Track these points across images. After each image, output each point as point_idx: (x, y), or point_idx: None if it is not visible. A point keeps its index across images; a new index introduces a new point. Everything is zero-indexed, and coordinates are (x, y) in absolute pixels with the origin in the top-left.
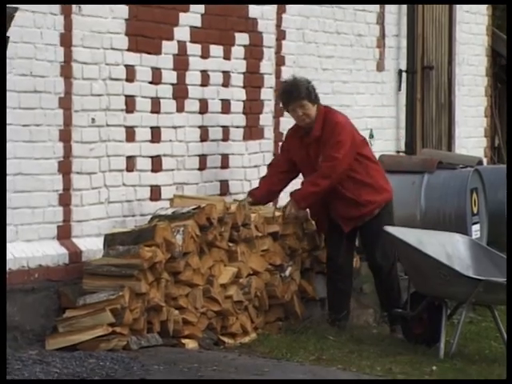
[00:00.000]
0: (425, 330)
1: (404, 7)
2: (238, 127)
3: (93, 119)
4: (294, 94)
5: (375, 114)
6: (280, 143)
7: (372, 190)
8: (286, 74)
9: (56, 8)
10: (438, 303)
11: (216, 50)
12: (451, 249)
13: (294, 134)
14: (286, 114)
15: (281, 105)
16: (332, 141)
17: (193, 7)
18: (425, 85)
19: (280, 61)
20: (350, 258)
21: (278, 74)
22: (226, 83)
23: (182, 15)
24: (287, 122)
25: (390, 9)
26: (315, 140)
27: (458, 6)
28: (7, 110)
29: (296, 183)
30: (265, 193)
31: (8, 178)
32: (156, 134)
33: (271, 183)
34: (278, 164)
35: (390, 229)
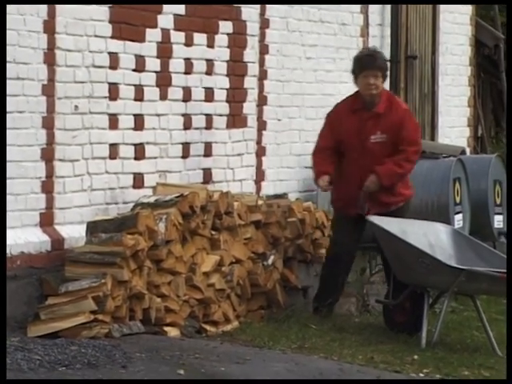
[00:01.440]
0: (407, 319)
1: None
2: (221, 115)
3: (76, 106)
4: (377, 61)
5: None
6: (264, 132)
7: (403, 183)
8: (270, 62)
9: None
10: (420, 292)
11: (200, 38)
12: (434, 238)
13: (346, 108)
14: (269, 102)
15: (355, 67)
16: (410, 126)
17: None
18: (408, 74)
19: (264, 49)
20: (355, 247)
21: (261, 62)
22: (209, 71)
23: (165, 3)
24: (271, 110)
25: None
26: (375, 116)
27: None
28: None
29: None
30: (330, 168)
31: None
32: (139, 122)
33: (328, 163)
34: (326, 146)
35: (372, 218)
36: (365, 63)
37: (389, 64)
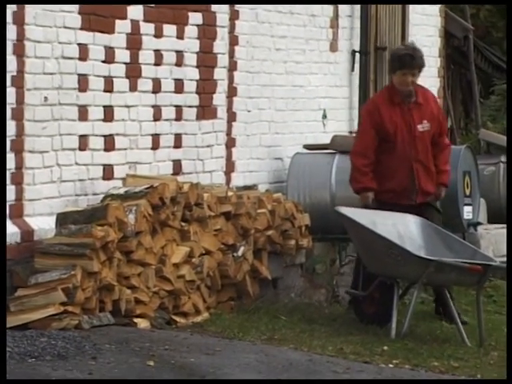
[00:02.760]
0: (376, 310)
1: None
2: (191, 107)
3: (45, 98)
4: (416, 61)
5: (328, 95)
6: (234, 123)
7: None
8: (240, 53)
9: None
10: (389, 283)
11: (169, 29)
12: (403, 229)
13: (384, 101)
14: (239, 93)
15: (393, 64)
16: (443, 116)
17: None
18: (378, 66)
19: (233, 40)
20: None
21: (231, 53)
22: (179, 63)
23: None
24: (240, 102)
25: None
26: (418, 106)
27: None
28: None
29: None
30: (375, 183)
31: None
32: (109, 113)
33: (371, 176)
34: (371, 151)
35: (341, 209)
36: (404, 62)
37: (358, 55)
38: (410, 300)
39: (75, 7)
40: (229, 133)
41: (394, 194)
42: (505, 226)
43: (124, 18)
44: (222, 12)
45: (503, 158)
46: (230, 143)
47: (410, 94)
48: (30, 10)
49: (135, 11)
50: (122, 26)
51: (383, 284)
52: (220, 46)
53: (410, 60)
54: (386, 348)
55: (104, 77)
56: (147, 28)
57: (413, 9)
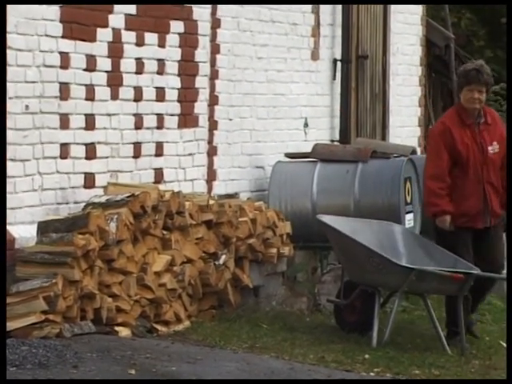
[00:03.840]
0: (358, 319)
1: None
2: (172, 115)
3: (27, 106)
4: (483, 76)
5: (310, 103)
6: (215, 132)
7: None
8: (221, 62)
9: None
10: (370, 292)
11: (151, 37)
12: (385, 237)
13: (454, 123)
14: (221, 102)
15: (460, 80)
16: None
17: None
18: (359, 74)
19: (215, 49)
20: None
21: (212, 62)
22: (160, 71)
23: (116, 3)
24: (222, 110)
25: None
26: (487, 127)
27: None
28: None
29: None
30: (452, 206)
31: None
32: (90, 122)
33: (448, 200)
34: (446, 173)
35: (323, 217)
36: (471, 78)
37: (339, 64)
38: (391, 308)
39: (56, 16)
40: (210, 141)
41: (468, 217)
42: None
43: (105, 26)
44: (203, 20)
45: None
46: (212, 152)
47: (479, 114)
48: (12, 18)
49: (116, 19)
50: (104, 35)
51: (364, 292)
52: (201, 54)
53: (477, 75)
54: (367, 356)
55: (85, 85)
56: (129, 36)
57: (394, 17)
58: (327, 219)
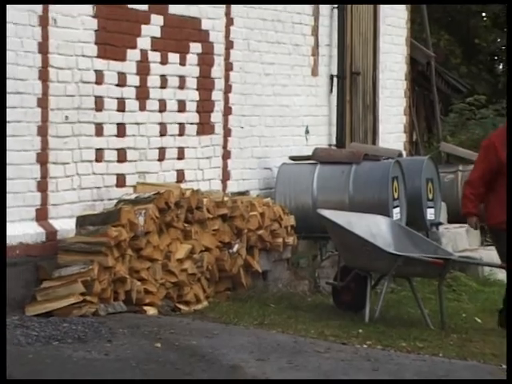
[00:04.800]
0: (352, 298)
1: (335, 21)
2: (192, 124)
3: (66, 117)
4: None
5: (310, 113)
6: (229, 138)
7: None
8: (234, 78)
9: (34, 20)
10: (363, 275)
11: (173, 57)
12: (375, 229)
13: (501, 143)
14: (234, 112)
15: None
16: None
17: (153, 20)
18: (353, 88)
19: (228, 67)
20: None
21: (226, 78)
22: (181, 86)
23: (144, 27)
24: (235, 119)
25: (323, 22)
26: None
27: (381, 19)
28: None
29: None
30: (478, 208)
31: None
32: (121, 130)
33: (480, 200)
34: (484, 183)
35: (322, 211)
36: None
37: (335, 79)
38: (381, 289)
39: (92, 38)
40: (225, 146)
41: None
42: (462, 225)
43: (134, 47)
44: (218, 42)
45: (461, 167)
46: (226, 155)
47: None
48: (53, 41)
49: (144, 42)
50: (133, 55)
51: (358, 276)
52: (217, 71)
53: None
54: (360, 331)
55: (117, 98)
56: (154, 56)
57: (383, 39)
58: (326, 213)
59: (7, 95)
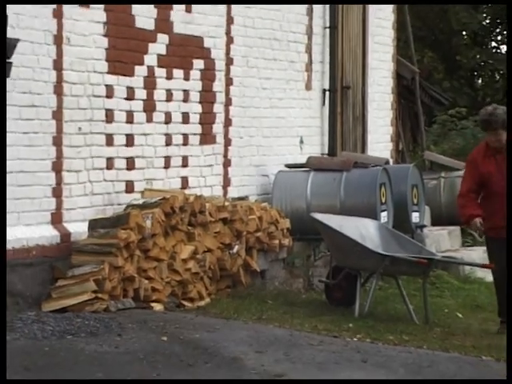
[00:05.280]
0: (343, 295)
1: (327, 39)
2: (195, 134)
3: (79, 128)
4: (492, 125)
5: (304, 124)
6: (229, 147)
7: None
8: (234, 92)
9: (50, 39)
10: (353, 274)
11: (178, 73)
12: (364, 231)
13: (484, 155)
14: (234, 123)
15: (481, 124)
16: None
17: (159, 38)
18: (343, 101)
19: (229, 82)
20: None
21: (227, 92)
22: (185, 99)
23: (150, 45)
24: (234, 130)
25: (316, 40)
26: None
27: (369, 38)
28: (12, 121)
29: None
30: (480, 211)
31: (11, 174)
32: (130, 140)
33: (476, 206)
34: (473, 194)
35: (316, 215)
36: (484, 127)
37: (327, 93)
38: (370, 287)
39: (103, 56)
40: (225, 155)
41: (496, 231)
42: (444, 227)
43: (142, 64)
44: (219, 59)
45: (443, 174)
46: (227, 163)
47: (501, 150)
48: (67, 58)
49: (150, 58)
50: (140, 71)
51: (349, 274)
52: (218, 86)
53: (488, 125)
54: (351, 325)
55: (126, 111)
56: (160, 72)
57: (371, 56)
58: (319, 216)
59: (24, 108)
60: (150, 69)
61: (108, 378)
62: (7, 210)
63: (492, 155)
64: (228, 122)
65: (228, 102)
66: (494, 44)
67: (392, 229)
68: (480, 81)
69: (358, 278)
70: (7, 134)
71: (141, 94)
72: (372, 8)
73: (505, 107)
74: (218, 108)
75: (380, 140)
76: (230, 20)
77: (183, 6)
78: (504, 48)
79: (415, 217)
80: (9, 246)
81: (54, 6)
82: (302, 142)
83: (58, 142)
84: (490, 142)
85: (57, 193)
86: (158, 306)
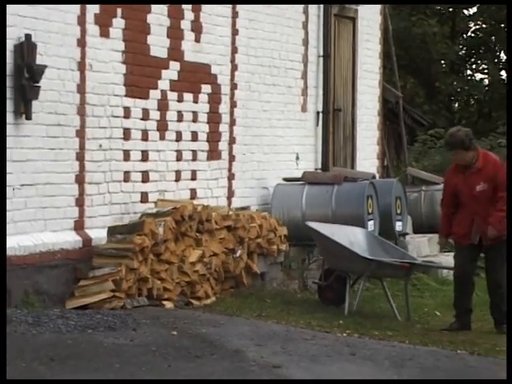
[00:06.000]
0: (334, 295)
1: (321, 67)
2: (203, 151)
3: (100, 145)
4: (450, 145)
5: (300, 143)
6: (233, 163)
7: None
8: (237, 113)
9: (74, 66)
10: (343, 276)
11: (188, 96)
12: (353, 238)
13: (455, 171)
14: (237, 141)
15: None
16: (502, 175)
17: (172, 65)
18: (335, 122)
19: (233, 104)
20: (470, 268)
21: (231, 113)
22: (194, 120)
23: (163, 71)
24: (238, 147)
25: (311, 68)
26: (477, 171)
27: (359, 66)
28: (39, 139)
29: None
30: (449, 228)
31: (39, 186)
32: (145, 156)
33: (449, 220)
34: (448, 204)
35: (310, 223)
36: (447, 148)
37: (321, 115)
38: (358, 288)
39: (121, 81)
40: (230, 169)
41: (458, 235)
42: (425, 235)
43: (156, 88)
44: (224, 84)
45: (424, 187)
46: (231, 177)
47: (469, 166)
48: (89, 83)
49: (164, 83)
50: (155, 94)
51: (339, 277)
52: (223, 108)
53: (447, 145)
54: (341, 322)
55: (141, 130)
56: (172, 95)
57: (360, 82)
58: (314, 225)
59: (51, 127)
60: (163, 92)
61: (124, 368)
62: (35, 218)
63: (461, 171)
64: (232, 140)
65: (232, 123)
66: (469, 72)
67: (378, 236)
68: (456, 105)
69: (348, 279)
70: (35, 151)
71: (155, 114)
72: (361, 39)
73: (468, 130)
74: (224, 128)
75: (367, 157)
76: (234, 50)
77: (193, 37)
78: (478, 76)
79: (398, 225)
80: (36, 250)
81: (78, 35)
82: (297, 158)
83: (80, 157)
84: (454, 160)
85: (79, 202)
86: (168, 304)
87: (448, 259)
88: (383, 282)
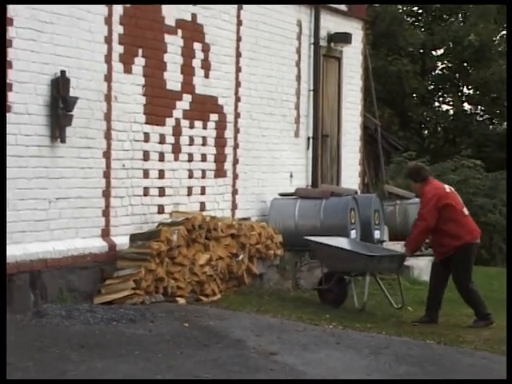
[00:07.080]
0: (334, 297)
1: (311, 99)
2: (211, 170)
3: (123, 165)
4: (409, 176)
5: (294, 163)
6: (237, 180)
7: (450, 237)
8: (240, 138)
9: (101, 97)
10: (342, 278)
11: (198, 123)
12: (341, 244)
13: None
14: (240, 162)
15: None
16: (423, 200)
17: (184, 97)
18: (323, 146)
19: (236, 130)
20: (443, 279)
21: (235, 138)
22: (204, 143)
23: (178, 102)
24: (240, 167)
25: (303, 100)
26: (421, 195)
27: (343, 98)
28: (72, 159)
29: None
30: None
31: (71, 199)
32: (161, 174)
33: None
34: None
35: (308, 237)
36: (408, 178)
37: (311, 140)
38: (363, 285)
39: (141, 110)
40: (234, 186)
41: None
42: (399, 242)
43: (171, 116)
44: (229, 113)
45: (398, 202)
46: (234, 192)
47: (417, 194)
48: (114, 112)
49: (178, 112)
50: (170, 121)
51: (338, 280)
52: (228, 133)
53: (407, 177)
54: (328, 316)
55: (159, 152)
56: (185, 123)
57: (345, 112)
58: (311, 238)
59: (82, 149)
60: (177, 120)
61: (143, 354)
62: (68, 226)
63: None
64: (236, 161)
65: (236, 146)
66: (436, 104)
67: (360, 241)
68: (426, 132)
69: (352, 280)
70: (68, 169)
71: (170, 139)
72: (345, 76)
73: (419, 164)
74: (228, 150)
75: (350, 175)
76: (238, 84)
77: (202, 73)
78: (444, 107)
79: (377, 234)
80: (69, 254)
81: (105, 72)
82: (291, 176)
83: (107, 175)
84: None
85: (105, 213)
86: (181, 300)
87: (418, 262)
88: (377, 278)
